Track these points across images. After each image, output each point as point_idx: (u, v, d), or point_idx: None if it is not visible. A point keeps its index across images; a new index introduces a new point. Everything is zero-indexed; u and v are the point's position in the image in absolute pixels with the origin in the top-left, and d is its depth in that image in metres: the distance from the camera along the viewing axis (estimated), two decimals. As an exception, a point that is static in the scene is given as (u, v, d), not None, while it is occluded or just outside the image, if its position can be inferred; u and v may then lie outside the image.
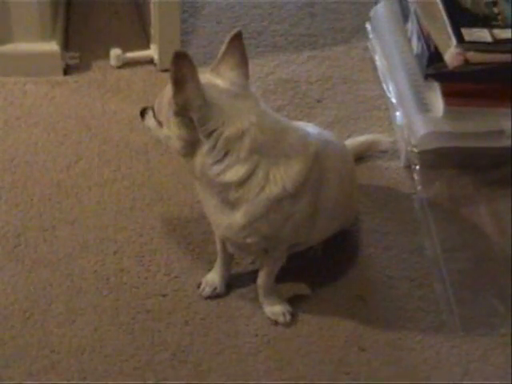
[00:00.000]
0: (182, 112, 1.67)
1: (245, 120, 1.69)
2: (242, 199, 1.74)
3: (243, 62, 1.73)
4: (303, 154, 1.76)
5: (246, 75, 1.74)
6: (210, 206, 1.82)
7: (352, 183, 2.03)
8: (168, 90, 1.71)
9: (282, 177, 1.72)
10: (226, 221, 1.79)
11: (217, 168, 1.70)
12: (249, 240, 1.82)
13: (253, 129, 1.69)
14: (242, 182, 1.71)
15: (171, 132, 1.72)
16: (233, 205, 1.75)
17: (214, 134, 1.67)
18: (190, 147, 1.71)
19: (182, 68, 1.62)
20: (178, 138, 1.71)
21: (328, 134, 2.01)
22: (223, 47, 1.73)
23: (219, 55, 1.74)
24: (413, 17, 2.41)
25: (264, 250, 1.89)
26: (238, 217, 1.77)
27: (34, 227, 2.14)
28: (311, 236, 1.92)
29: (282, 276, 1.99)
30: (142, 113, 1.84)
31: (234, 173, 1.70)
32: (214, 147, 1.69)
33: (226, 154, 1.69)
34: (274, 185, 1.73)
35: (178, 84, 1.64)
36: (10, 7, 2.44)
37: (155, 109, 1.78)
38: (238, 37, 1.72)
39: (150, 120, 1.81)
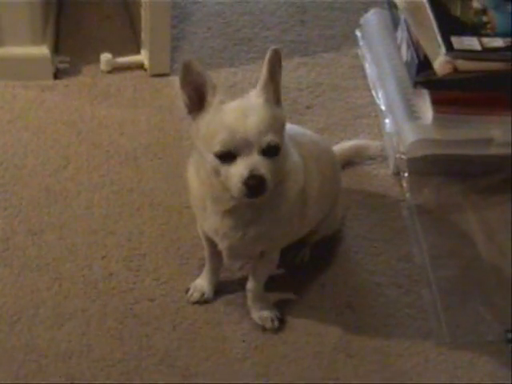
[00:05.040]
0: None
1: None
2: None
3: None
4: None
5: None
6: (225, 226, 1.77)
7: (334, 172, 2.02)
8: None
9: None
10: (238, 236, 1.77)
11: None
12: (257, 248, 1.84)
13: None
14: None
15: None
16: (249, 220, 1.75)
17: None
18: None
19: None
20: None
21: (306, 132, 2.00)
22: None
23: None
24: (403, 25, 2.42)
25: (261, 253, 1.89)
26: (253, 230, 1.76)
27: (23, 231, 2.13)
28: (303, 227, 1.92)
29: (270, 283, 1.99)
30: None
31: None
32: None
33: None
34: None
35: None
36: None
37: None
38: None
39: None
